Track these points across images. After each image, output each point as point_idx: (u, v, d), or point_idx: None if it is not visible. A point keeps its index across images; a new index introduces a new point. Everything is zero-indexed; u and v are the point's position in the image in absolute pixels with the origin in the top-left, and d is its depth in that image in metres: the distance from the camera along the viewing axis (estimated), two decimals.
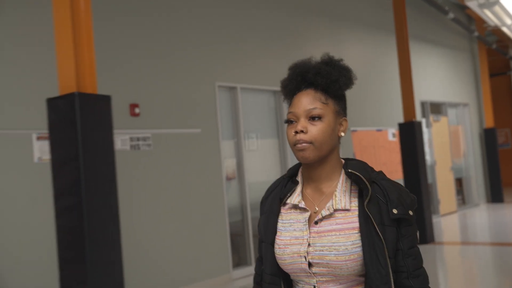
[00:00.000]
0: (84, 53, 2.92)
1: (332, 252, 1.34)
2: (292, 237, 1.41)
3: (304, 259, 1.37)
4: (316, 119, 1.38)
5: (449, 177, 10.79)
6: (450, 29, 11.67)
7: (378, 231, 1.32)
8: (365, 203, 1.34)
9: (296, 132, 1.38)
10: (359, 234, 1.34)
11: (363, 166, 1.41)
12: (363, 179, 1.35)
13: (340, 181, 1.41)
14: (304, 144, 1.36)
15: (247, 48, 6.69)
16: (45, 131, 4.54)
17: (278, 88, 6.52)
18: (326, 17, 8.18)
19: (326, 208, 1.39)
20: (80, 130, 2.80)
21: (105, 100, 3.07)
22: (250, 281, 5.68)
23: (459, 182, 11.75)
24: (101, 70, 3.98)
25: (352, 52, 8.69)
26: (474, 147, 12.09)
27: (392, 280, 1.31)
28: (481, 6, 5.88)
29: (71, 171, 2.84)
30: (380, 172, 1.44)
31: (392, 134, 9.40)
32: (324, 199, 1.41)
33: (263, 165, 6.83)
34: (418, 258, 1.38)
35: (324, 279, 1.37)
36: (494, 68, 14.71)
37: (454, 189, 11.01)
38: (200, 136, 5.93)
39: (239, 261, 6.43)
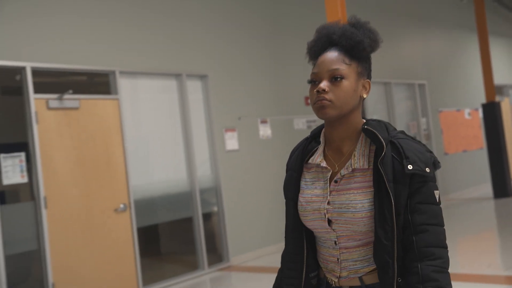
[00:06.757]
0: None
1: (350, 210, 1.36)
2: (314, 195, 1.45)
3: (324, 216, 1.41)
4: (338, 79, 1.37)
5: None
6: (507, 19, 13.38)
7: (388, 188, 1.32)
8: (379, 160, 1.35)
9: (318, 92, 1.38)
10: None
11: (382, 125, 1.42)
12: (378, 136, 1.37)
13: (360, 141, 1.42)
14: (324, 101, 1.36)
15: None
16: (265, 117, 6.58)
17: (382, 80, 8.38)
18: (415, 18, 10.05)
19: (345, 167, 1.41)
20: None
21: None
22: None
23: None
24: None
25: (435, 47, 10.54)
26: None
27: (395, 237, 1.31)
28: None
29: None
30: (401, 132, 1.44)
31: (467, 113, 11.21)
32: (345, 159, 1.44)
33: None
34: (429, 215, 1.33)
35: (343, 234, 1.40)
36: None
37: None
38: None
39: None
